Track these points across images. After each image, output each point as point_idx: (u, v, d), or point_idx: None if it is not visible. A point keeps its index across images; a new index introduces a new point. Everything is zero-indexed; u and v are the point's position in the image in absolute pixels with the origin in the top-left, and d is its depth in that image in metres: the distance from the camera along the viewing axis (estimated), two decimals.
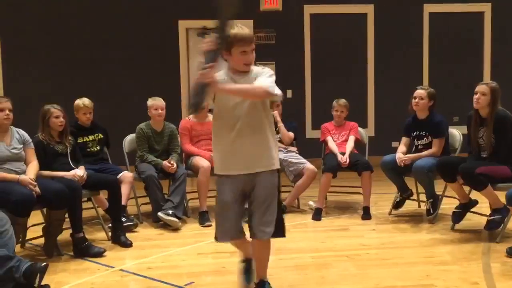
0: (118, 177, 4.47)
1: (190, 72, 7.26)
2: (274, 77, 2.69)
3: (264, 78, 2.66)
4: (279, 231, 2.79)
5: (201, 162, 4.71)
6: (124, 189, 4.47)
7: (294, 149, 5.23)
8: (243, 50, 2.65)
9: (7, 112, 3.68)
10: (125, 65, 7.30)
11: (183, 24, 7.38)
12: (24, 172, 3.70)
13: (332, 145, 5.04)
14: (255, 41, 2.73)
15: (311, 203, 5.10)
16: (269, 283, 2.91)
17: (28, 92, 6.80)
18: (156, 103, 4.87)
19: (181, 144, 4.98)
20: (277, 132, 5.21)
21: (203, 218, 4.64)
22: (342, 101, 5.17)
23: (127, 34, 7.33)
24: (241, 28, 2.67)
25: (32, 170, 3.73)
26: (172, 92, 7.02)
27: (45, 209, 3.84)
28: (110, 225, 4.21)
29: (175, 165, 4.67)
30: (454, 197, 4.47)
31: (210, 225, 4.47)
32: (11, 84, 7.09)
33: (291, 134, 5.23)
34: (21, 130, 3.89)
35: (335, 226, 4.56)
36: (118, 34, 7.31)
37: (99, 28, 7.28)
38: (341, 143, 5.07)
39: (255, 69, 2.75)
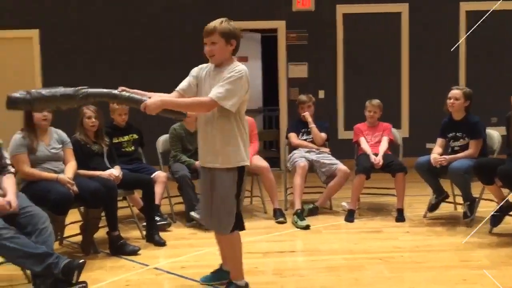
0: (152, 176, 4.54)
1: None
2: (234, 85, 2.65)
3: (218, 86, 2.68)
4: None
5: None
6: (158, 189, 4.53)
7: (327, 149, 5.19)
8: (204, 42, 2.73)
9: (45, 113, 3.76)
10: (159, 67, 7.40)
11: None
12: (62, 172, 3.80)
13: (365, 146, 4.99)
14: (217, 34, 2.72)
15: (344, 204, 5.05)
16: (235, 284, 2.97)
17: None
18: None
19: None
20: (309, 133, 5.20)
21: None
22: (375, 101, 5.11)
23: (161, 35, 7.43)
24: (223, 21, 2.74)
25: (70, 169, 3.83)
26: None
27: (82, 207, 3.93)
28: (145, 224, 4.28)
29: None
30: (492, 200, 4.36)
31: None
32: (50, 85, 7.27)
33: (323, 135, 5.19)
34: (59, 130, 3.99)
35: (368, 228, 4.51)
36: (152, 35, 7.42)
37: (133, 30, 7.41)
38: (375, 144, 5.00)
39: (229, 68, 2.72)
